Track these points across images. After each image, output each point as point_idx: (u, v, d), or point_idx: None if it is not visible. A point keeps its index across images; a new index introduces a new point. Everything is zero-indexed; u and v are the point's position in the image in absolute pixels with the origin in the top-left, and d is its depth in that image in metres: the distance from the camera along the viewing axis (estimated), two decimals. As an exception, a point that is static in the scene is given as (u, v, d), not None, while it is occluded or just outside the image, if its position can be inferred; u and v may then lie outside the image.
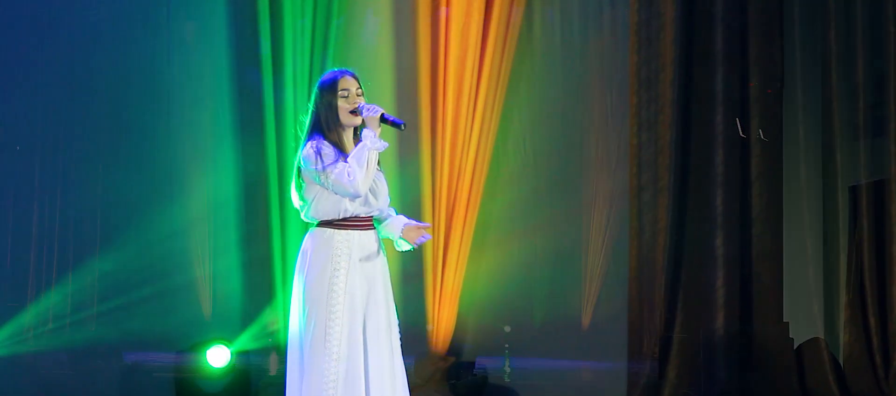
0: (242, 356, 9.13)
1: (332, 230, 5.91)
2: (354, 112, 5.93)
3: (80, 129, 9.18)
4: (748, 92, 9.17)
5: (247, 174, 9.36)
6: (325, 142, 5.90)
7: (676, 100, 9.09)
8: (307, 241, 5.97)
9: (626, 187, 9.27)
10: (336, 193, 5.85)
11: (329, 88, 5.96)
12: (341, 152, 5.89)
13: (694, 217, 9.21)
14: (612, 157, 9.42)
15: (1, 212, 9.08)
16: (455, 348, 9.50)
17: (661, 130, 9.15)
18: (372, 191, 5.93)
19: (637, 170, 9.22)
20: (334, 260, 5.88)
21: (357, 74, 6.03)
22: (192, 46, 9.30)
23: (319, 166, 5.82)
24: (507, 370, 5.42)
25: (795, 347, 9.17)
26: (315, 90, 6.00)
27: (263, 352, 9.26)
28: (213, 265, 9.31)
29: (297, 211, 6.05)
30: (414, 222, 6.05)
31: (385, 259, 6.04)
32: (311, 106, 6.00)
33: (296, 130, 6.11)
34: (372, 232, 6.00)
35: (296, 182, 5.96)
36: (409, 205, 8.90)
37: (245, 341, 9.23)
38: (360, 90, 5.99)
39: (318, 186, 5.87)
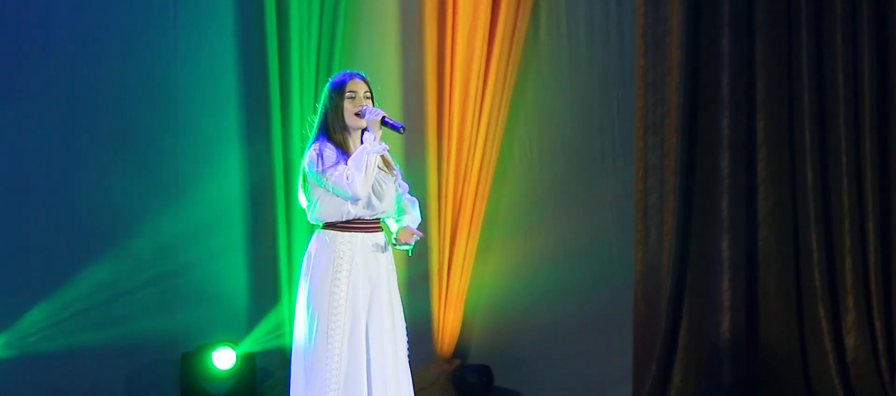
0: (248, 357, 9.13)
1: (336, 232, 5.92)
2: (358, 114, 5.94)
3: (86, 131, 9.17)
4: (755, 95, 9.16)
5: (253, 176, 9.36)
6: (328, 144, 5.90)
7: (683, 104, 9.08)
8: (312, 244, 5.98)
9: (631, 190, 9.27)
10: (337, 196, 5.86)
11: (337, 90, 5.97)
12: (344, 154, 5.90)
13: (700, 220, 9.20)
14: (618, 160, 9.41)
15: (3, 212, 9.07)
16: (461, 350, 9.49)
17: (667, 133, 9.15)
18: (376, 193, 5.93)
19: (643, 173, 9.21)
20: (336, 263, 5.88)
21: (367, 77, 6.03)
22: (198, 48, 9.30)
23: (320, 168, 5.84)
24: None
25: (801, 351, 9.15)
26: (324, 91, 6.02)
27: (269, 354, 9.26)
28: (219, 266, 9.31)
29: (303, 213, 6.07)
30: (412, 226, 6.05)
31: (392, 261, 6.04)
32: (319, 107, 6.01)
33: (302, 132, 6.13)
34: (378, 234, 6.00)
35: (302, 183, 5.97)
36: (415, 207, 8.90)
37: (251, 343, 9.23)
38: (368, 93, 5.99)
39: (322, 188, 5.88)
